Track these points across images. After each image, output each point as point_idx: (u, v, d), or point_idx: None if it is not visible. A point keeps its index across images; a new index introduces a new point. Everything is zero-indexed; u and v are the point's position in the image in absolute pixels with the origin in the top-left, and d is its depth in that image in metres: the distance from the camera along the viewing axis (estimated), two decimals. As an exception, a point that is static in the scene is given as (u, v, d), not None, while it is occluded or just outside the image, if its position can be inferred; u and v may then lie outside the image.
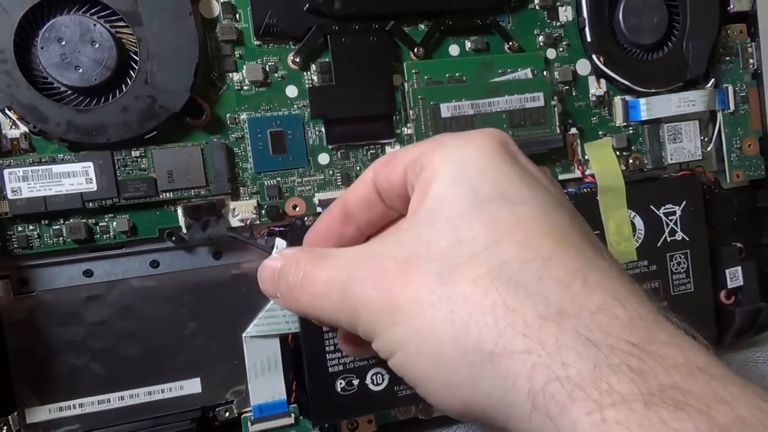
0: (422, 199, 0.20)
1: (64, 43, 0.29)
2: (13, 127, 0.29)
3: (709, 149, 0.41)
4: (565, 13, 0.38)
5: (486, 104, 0.35)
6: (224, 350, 0.33)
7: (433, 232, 0.19)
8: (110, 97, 0.30)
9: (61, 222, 0.30)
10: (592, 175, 0.38)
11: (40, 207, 0.29)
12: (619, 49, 0.39)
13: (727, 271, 0.41)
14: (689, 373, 0.17)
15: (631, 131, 0.39)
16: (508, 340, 0.17)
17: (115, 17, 0.30)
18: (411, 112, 0.34)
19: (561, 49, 0.38)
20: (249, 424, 0.33)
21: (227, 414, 0.33)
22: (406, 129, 0.35)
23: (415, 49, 0.35)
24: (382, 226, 0.25)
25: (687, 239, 0.39)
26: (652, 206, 0.39)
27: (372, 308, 0.19)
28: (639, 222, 0.39)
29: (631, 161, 0.39)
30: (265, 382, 0.33)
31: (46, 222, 0.30)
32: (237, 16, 0.32)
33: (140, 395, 0.32)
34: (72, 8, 0.29)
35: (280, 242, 0.32)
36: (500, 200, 0.19)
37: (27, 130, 0.29)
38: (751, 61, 0.42)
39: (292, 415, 0.33)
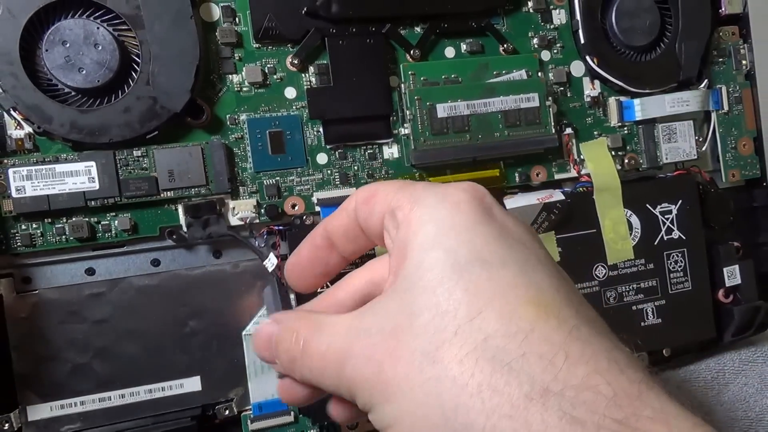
0: (401, 261, 0.20)
1: (68, 45, 0.30)
2: (18, 127, 0.30)
3: (704, 149, 0.41)
4: (559, 16, 0.39)
5: (481, 105, 0.36)
6: (224, 349, 0.33)
7: (414, 301, 0.19)
8: (112, 98, 0.31)
9: (64, 220, 0.31)
10: (588, 175, 0.39)
11: (44, 205, 0.30)
12: (612, 50, 0.39)
13: (724, 269, 0.41)
14: None
15: (626, 131, 0.40)
16: (495, 421, 0.17)
17: (117, 21, 0.31)
18: (407, 112, 0.35)
19: (555, 51, 0.39)
20: (249, 422, 0.33)
21: (227, 412, 0.33)
22: (403, 129, 0.35)
23: (411, 51, 0.36)
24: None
25: (684, 238, 0.40)
26: (648, 205, 0.39)
27: (366, 386, 0.20)
28: (635, 221, 0.39)
29: (626, 161, 0.40)
30: (265, 380, 0.34)
31: (50, 220, 0.30)
32: (236, 19, 0.33)
33: (141, 393, 0.32)
34: (76, 12, 0.30)
35: (273, 258, 0.33)
36: (479, 264, 0.19)
37: (31, 131, 0.30)
38: (743, 62, 0.42)
39: (292, 413, 0.34)
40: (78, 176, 0.30)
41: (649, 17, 0.39)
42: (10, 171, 0.30)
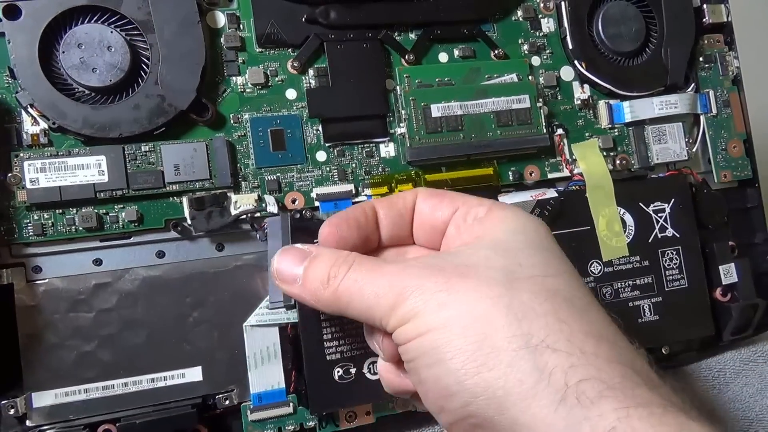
0: (480, 235, 0.24)
1: (83, 48, 0.32)
2: (34, 123, 0.32)
3: (694, 150, 0.42)
4: (548, 24, 0.41)
5: (474, 105, 0.38)
6: (225, 340, 0.34)
7: (492, 255, 0.23)
8: (123, 96, 0.33)
9: (74, 211, 0.32)
10: (581, 174, 0.40)
11: (56, 196, 0.31)
12: (600, 56, 0.41)
13: (720, 267, 0.41)
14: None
15: (616, 133, 0.41)
16: (554, 339, 0.20)
17: (130, 26, 0.33)
18: (403, 112, 0.36)
19: (545, 56, 0.40)
20: (248, 412, 0.33)
21: (227, 402, 0.33)
22: (398, 128, 0.37)
23: (406, 56, 0.38)
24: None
25: (678, 236, 0.40)
26: (641, 204, 0.40)
27: (425, 290, 0.22)
28: (629, 218, 0.40)
29: (618, 161, 0.41)
30: (265, 371, 0.34)
31: (60, 211, 0.32)
32: (240, 26, 0.35)
33: (143, 382, 0.33)
34: (92, 18, 0.33)
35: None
36: (556, 252, 0.25)
37: (46, 126, 0.32)
38: (730, 68, 0.44)
39: (291, 404, 0.34)
40: (89, 169, 0.32)
41: (635, 24, 0.41)
42: (25, 164, 0.31)
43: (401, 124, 0.37)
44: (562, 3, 0.40)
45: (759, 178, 0.43)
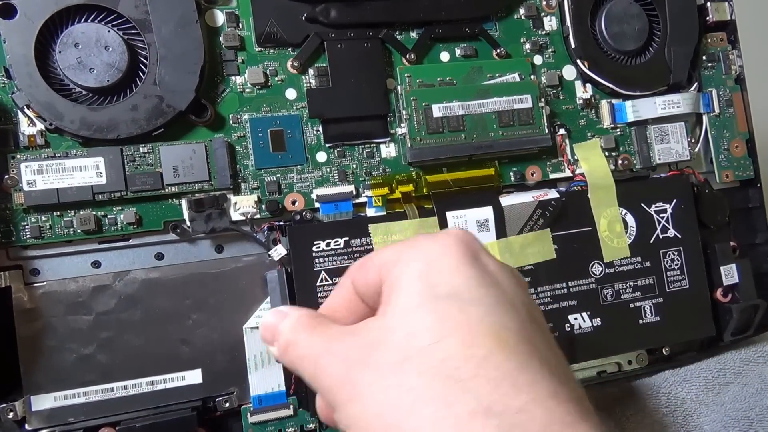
0: (390, 292, 0.23)
1: (80, 47, 0.31)
2: (31, 124, 0.31)
3: (696, 150, 0.42)
4: (550, 23, 0.40)
5: (476, 105, 0.37)
6: (225, 342, 0.34)
7: (392, 321, 0.22)
8: (121, 96, 0.32)
9: (72, 213, 0.32)
10: (582, 174, 0.39)
11: (53, 198, 0.31)
12: (602, 54, 0.41)
13: (722, 268, 0.41)
14: None
15: (618, 133, 0.41)
16: (441, 430, 0.19)
17: (127, 25, 0.32)
18: (404, 112, 0.36)
19: (547, 55, 0.40)
20: (249, 415, 0.33)
21: (227, 404, 0.33)
22: (399, 129, 0.37)
23: (408, 55, 0.37)
24: None
25: (679, 236, 0.40)
26: (642, 204, 0.40)
27: (336, 383, 0.22)
28: (630, 219, 0.40)
29: (620, 162, 0.41)
30: (265, 373, 0.34)
31: (58, 213, 0.32)
32: (240, 24, 0.35)
33: (143, 385, 0.33)
34: (89, 17, 0.32)
35: (280, 248, 0.34)
36: (454, 299, 0.22)
37: (43, 128, 0.32)
38: (733, 67, 0.43)
39: (291, 406, 0.34)
40: (86, 171, 0.32)
41: (638, 23, 0.41)
42: (22, 165, 0.31)
43: (402, 125, 0.36)
44: (565, 1, 0.40)
45: (761, 178, 0.43)
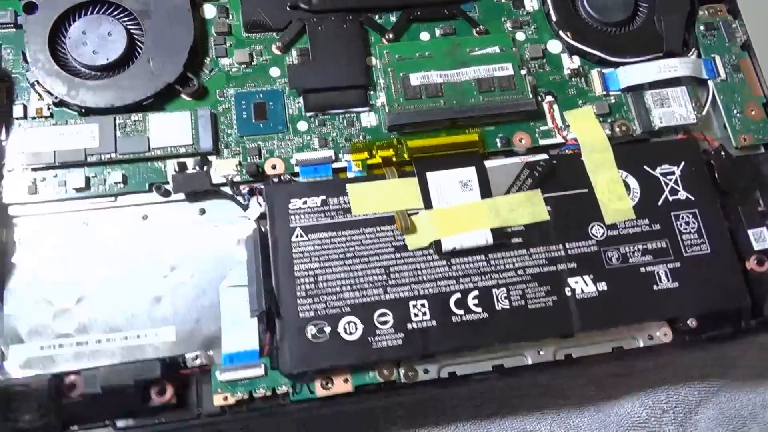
0: None
1: (86, 34, 0.36)
2: (39, 99, 0.35)
3: (704, 113, 0.40)
4: (531, 3, 0.41)
5: (454, 74, 0.38)
6: (201, 301, 0.34)
7: None
8: (117, 72, 0.36)
9: (66, 173, 0.34)
10: (575, 139, 0.38)
11: (51, 159, 0.34)
12: (587, 26, 0.41)
13: (750, 232, 0.37)
14: None
15: (612, 100, 0.39)
16: None
17: (128, 16, 0.37)
18: (381, 81, 0.37)
19: (530, 32, 0.41)
20: (218, 372, 0.32)
21: (197, 361, 0.32)
22: (378, 100, 0.38)
23: (386, 35, 0.39)
24: None
25: (692, 199, 0.37)
26: (646, 167, 0.37)
27: None
28: (633, 181, 0.37)
29: (617, 128, 0.39)
30: (239, 332, 0.33)
31: (54, 175, 0.34)
32: (230, 16, 0.39)
33: (116, 340, 0.33)
34: (98, 10, 0.37)
35: (255, 207, 0.35)
36: None
37: (50, 102, 0.35)
38: (737, 35, 0.42)
39: (263, 365, 0.32)
40: (82, 136, 0.35)
41: (626, 2, 0.41)
42: (28, 131, 0.34)
43: (380, 94, 0.37)
44: (544, -19, 0.41)
45: (787, 141, 0.39)
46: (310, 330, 0.32)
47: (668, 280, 0.35)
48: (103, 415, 0.31)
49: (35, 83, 0.35)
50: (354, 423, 0.36)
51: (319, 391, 0.32)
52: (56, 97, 0.35)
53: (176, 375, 0.32)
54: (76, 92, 0.35)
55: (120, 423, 0.31)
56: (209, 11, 0.39)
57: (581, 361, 0.34)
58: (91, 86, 0.35)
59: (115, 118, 0.35)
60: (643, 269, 0.35)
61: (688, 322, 0.35)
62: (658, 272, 0.35)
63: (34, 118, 0.35)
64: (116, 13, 0.37)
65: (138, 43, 0.37)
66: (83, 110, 0.35)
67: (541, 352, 0.34)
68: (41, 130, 0.34)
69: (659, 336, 0.35)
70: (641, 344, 0.35)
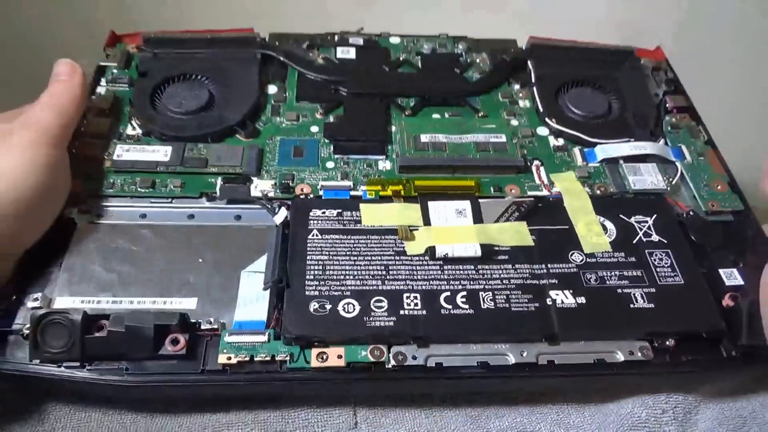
0: None
1: (179, 90, 0.48)
2: (133, 129, 0.46)
3: (673, 182, 0.46)
4: (524, 102, 0.52)
5: (457, 138, 0.47)
6: (224, 282, 0.38)
7: None
8: (195, 116, 0.47)
9: (138, 177, 0.43)
10: (559, 192, 0.44)
11: (130, 166, 0.43)
12: (569, 118, 0.50)
13: (720, 271, 0.40)
14: None
15: (592, 170, 0.46)
16: None
17: (212, 81, 0.49)
18: (397, 137, 0.46)
19: (522, 120, 0.50)
20: (226, 335, 0.36)
21: (210, 324, 0.36)
22: (394, 149, 0.46)
23: (405, 112, 0.49)
24: None
25: (665, 241, 0.41)
26: (622, 215, 0.43)
27: None
28: (610, 225, 0.42)
29: (596, 190, 0.45)
30: (251, 308, 0.37)
31: (130, 179, 0.43)
32: (286, 93, 0.50)
33: (146, 303, 0.37)
34: (187, 77, 0.49)
35: (282, 212, 0.42)
36: None
37: (140, 132, 0.46)
38: (700, 135, 0.50)
39: (267, 334, 0.36)
40: (157, 153, 0.44)
41: (599, 102, 0.51)
42: (119, 146, 0.44)
43: (395, 146, 0.46)
44: (534, 88, 0.52)
45: (751, 209, 0.44)
46: (313, 305, 0.36)
47: (644, 301, 0.38)
48: (121, 354, 0.34)
49: (132, 118, 0.46)
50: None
51: (314, 363, 0.35)
52: (143, 129, 0.45)
53: (191, 334, 0.36)
54: (161, 126, 0.45)
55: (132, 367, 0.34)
56: (272, 89, 0.51)
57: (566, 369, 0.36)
58: (173, 123, 0.46)
59: (185, 144, 0.45)
60: (619, 290, 0.38)
61: (666, 342, 0.37)
62: (634, 294, 0.38)
63: (125, 140, 0.45)
64: (204, 78, 0.49)
65: (214, 96, 0.48)
66: (164, 137, 0.45)
67: (524, 354, 0.36)
68: (129, 146, 0.44)
69: (638, 353, 0.37)
70: (621, 358, 0.36)
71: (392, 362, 0.35)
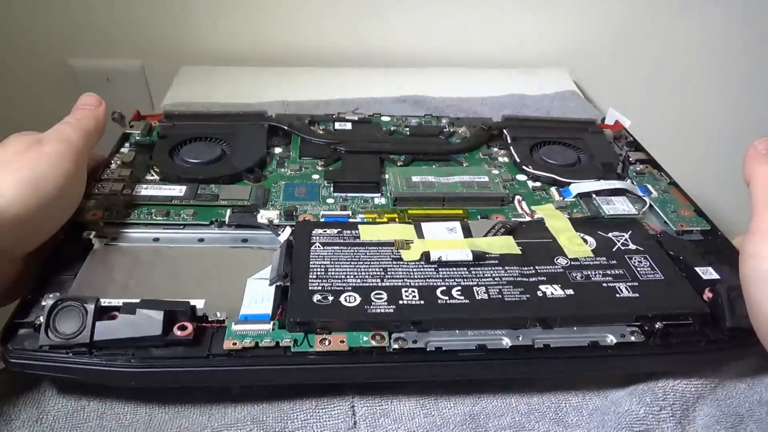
0: None
1: (195, 148, 0.54)
2: (152, 176, 0.51)
3: (644, 210, 0.50)
4: (503, 159, 0.58)
5: (445, 178, 0.52)
6: (230, 287, 0.40)
7: None
8: (208, 164, 0.52)
9: (154, 209, 0.47)
10: (541, 218, 0.48)
11: (148, 199, 0.47)
12: (544, 167, 0.55)
13: (697, 269, 0.43)
14: None
15: (569, 203, 0.51)
16: None
17: (224, 141, 0.55)
18: (390, 178, 0.51)
19: (502, 170, 0.56)
20: (233, 324, 0.37)
21: (218, 315, 0.37)
22: (387, 189, 0.51)
23: (398, 164, 0.55)
24: None
25: (642, 249, 0.44)
26: (600, 232, 0.46)
27: None
28: (590, 239, 0.46)
29: (574, 216, 0.49)
30: (256, 305, 0.39)
31: (147, 210, 0.47)
32: (290, 152, 0.56)
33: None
34: (202, 139, 0.55)
35: (287, 230, 0.45)
36: None
37: (158, 178, 0.50)
38: (664, 178, 0.55)
39: (271, 324, 0.37)
40: (173, 191, 0.48)
41: (570, 156, 0.57)
42: (142, 187, 0.48)
43: (389, 186, 0.51)
44: (511, 147, 0.58)
45: (719, 230, 0.48)
46: (316, 297, 0.38)
47: (629, 292, 0.40)
48: (129, 342, 0.35)
49: (152, 167, 0.51)
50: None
51: (318, 347, 0.36)
52: (161, 175, 0.50)
53: (198, 324, 0.37)
54: (178, 172, 0.50)
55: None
56: (278, 150, 0.57)
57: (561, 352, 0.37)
58: (188, 170, 0.51)
59: (198, 184, 0.49)
60: (605, 284, 0.41)
61: (655, 325, 0.38)
62: (618, 286, 0.41)
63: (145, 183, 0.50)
64: (217, 140, 0.55)
65: (226, 151, 0.54)
66: (180, 180, 0.50)
67: (520, 338, 0.38)
68: (148, 185, 0.49)
69: (630, 337, 0.38)
70: (614, 341, 0.38)
71: (393, 346, 0.37)
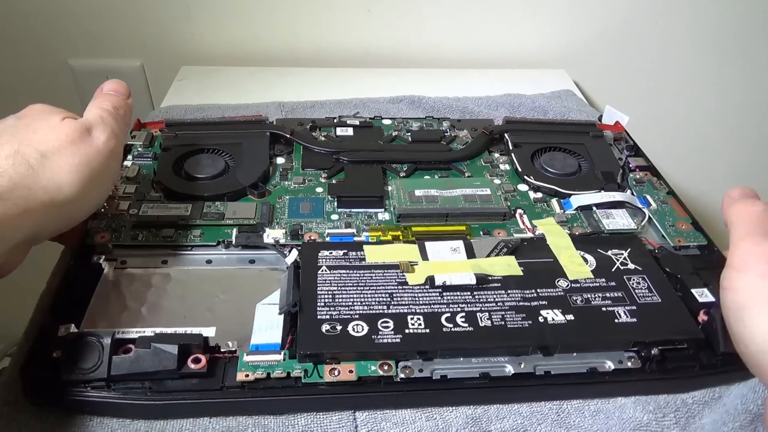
0: None
1: (197, 161, 0.54)
2: (156, 192, 0.51)
3: (643, 224, 0.51)
4: (504, 166, 0.58)
5: (447, 192, 0.52)
6: (241, 315, 0.42)
7: None
8: (213, 179, 0.52)
9: (160, 231, 0.47)
10: (542, 233, 0.49)
11: (155, 220, 0.47)
12: (544, 176, 0.56)
13: (693, 291, 0.44)
14: None
15: (569, 216, 0.52)
16: None
17: (228, 154, 0.55)
18: (393, 192, 0.52)
19: (504, 179, 0.56)
20: (245, 355, 0.38)
21: (230, 345, 0.39)
22: (391, 204, 0.51)
23: (400, 175, 0.55)
24: None
25: (640, 269, 0.46)
26: (599, 249, 0.47)
27: None
28: (590, 257, 0.47)
29: (574, 231, 0.50)
30: (266, 334, 0.40)
31: (153, 229, 0.47)
32: (293, 162, 0.56)
33: (169, 331, 0.40)
34: (205, 151, 0.55)
35: (294, 253, 0.46)
36: None
37: (162, 194, 0.51)
38: (662, 187, 0.56)
39: (282, 354, 0.38)
40: (179, 210, 0.49)
41: (571, 164, 0.57)
42: (144, 204, 0.49)
43: (393, 200, 0.51)
44: (512, 154, 0.59)
45: (716, 245, 0.49)
46: (325, 327, 0.39)
47: (627, 317, 0.41)
48: (144, 375, 0.36)
49: (155, 183, 0.51)
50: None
51: (327, 377, 0.37)
52: (166, 191, 0.51)
53: (211, 356, 0.38)
54: (183, 189, 0.51)
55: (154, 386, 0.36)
56: (280, 160, 0.57)
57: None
58: (190, 184, 0.51)
59: (204, 202, 0.50)
60: (604, 309, 0.42)
61: (652, 351, 0.40)
62: (617, 311, 0.42)
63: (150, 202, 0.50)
64: (220, 152, 0.55)
65: (230, 165, 0.54)
66: (185, 197, 0.50)
67: (522, 365, 0.39)
68: (154, 203, 0.49)
69: (627, 362, 0.40)
70: (612, 367, 0.39)
71: (400, 375, 0.38)
